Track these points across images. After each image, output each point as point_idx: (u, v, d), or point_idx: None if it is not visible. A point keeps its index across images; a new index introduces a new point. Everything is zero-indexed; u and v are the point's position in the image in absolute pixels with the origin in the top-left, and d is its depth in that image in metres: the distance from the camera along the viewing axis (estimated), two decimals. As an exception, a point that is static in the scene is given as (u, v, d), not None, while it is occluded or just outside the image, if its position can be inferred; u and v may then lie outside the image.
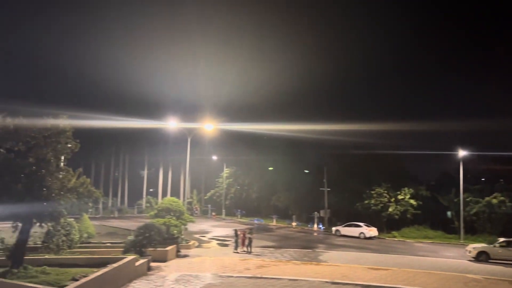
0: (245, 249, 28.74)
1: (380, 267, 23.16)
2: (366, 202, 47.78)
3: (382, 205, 46.90)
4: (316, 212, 51.02)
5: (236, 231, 30.56)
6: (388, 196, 47.38)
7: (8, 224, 16.17)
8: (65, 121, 16.17)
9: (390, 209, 46.45)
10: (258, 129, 51.41)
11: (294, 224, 54.17)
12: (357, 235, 41.87)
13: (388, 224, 46.87)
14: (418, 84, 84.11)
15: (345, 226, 44.13)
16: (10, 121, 15.25)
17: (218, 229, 46.59)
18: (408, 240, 41.92)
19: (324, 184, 51.30)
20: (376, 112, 71.92)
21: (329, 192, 51.22)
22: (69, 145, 16.50)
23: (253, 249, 28.77)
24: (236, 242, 29.36)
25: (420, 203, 46.86)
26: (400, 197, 47.06)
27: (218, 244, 33.94)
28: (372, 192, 47.83)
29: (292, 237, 41.88)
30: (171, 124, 40.66)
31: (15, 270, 14.60)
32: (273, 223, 57.03)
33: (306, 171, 57.21)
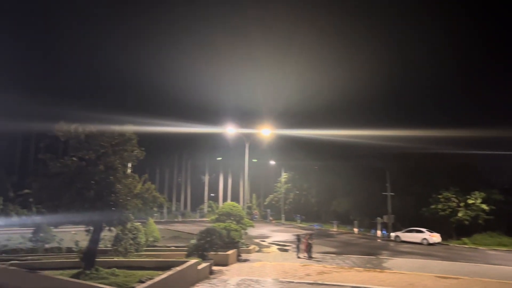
0: (306, 254, 28.44)
1: (450, 276, 21.81)
2: (433, 207, 45.40)
3: (450, 210, 44.31)
4: (379, 218, 49.30)
5: (298, 236, 30.35)
6: (457, 201, 44.68)
7: (81, 228, 17.28)
8: (130, 130, 17.03)
9: (459, 214, 43.74)
10: (317, 134, 50.77)
11: (355, 229, 52.75)
12: (419, 241, 39.97)
13: (458, 230, 44.15)
14: (490, 81, 78.54)
15: (406, 231, 42.28)
16: (81, 132, 16.34)
17: (278, 234, 46.53)
18: (480, 248, 39.19)
19: (387, 188, 49.50)
20: (442, 114, 68.19)
21: (392, 197, 49.32)
22: (135, 153, 17.34)
23: (313, 255, 28.37)
24: (298, 247, 29.13)
25: (493, 207, 43.63)
26: (470, 201, 44.15)
27: (278, 249, 33.87)
28: (439, 196, 45.36)
29: (354, 243, 40.78)
30: (230, 129, 41.43)
31: (88, 272, 15.52)
32: (334, 228, 55.93)
33: (368, 175, 55.55)
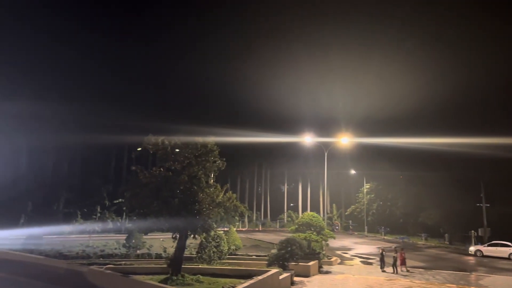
0: (403, 269, 27.10)
1: None
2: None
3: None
4: (473, 231, 45.35)
5: (383, 249, 28.99)
6: None
7: (169, 236, 18.15)
8: (212, 141, 17.67)
9: None
10: (402, 142, 48.27)
11: (446, 243, 49.06)
12: (505, 256, 36.02)
13: None
14: None
15: (489, 245, 38.34)
16: (168, 144, 17.33)
17: (361, 246, 44.86)
18: None
19: (482, 199, 45.44)
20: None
21: (488, 208, 45.13)
22: (217, 163, 17.91)
23: (400, 269, 26.83)
24: (382, 260, 27.73)
25: None
26: None
27: (361, 262, 32.60)
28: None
29: (445, 257, 37.86)
30: (308, 139, 41.10)
31: (174, 278, 16.20)
32: (422, 241, 52.56)
33: (460, 185, 51.50)
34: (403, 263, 27.31)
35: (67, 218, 45.72)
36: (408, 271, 26.88)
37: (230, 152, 23.40)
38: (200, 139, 17.62)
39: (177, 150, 17.42)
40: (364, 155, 60.84)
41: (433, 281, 23.54)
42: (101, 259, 23.49)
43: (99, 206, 47.99)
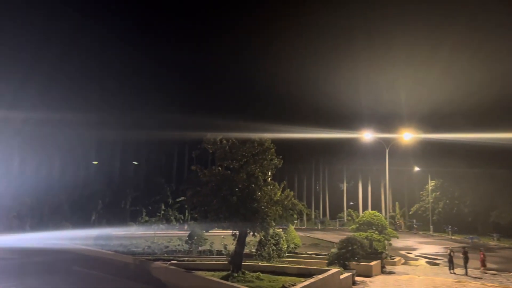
0: (484, 270, 25.72)
1: None
2: None
3: None
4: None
5: (451, 249, 27.50)
6: None
7: (229, 233, 18.51)
8: (269, 138, 17.79)
9: None
10: (469, 138, 45.37)
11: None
12: None
13: None
14: None
15: None
16: (226, 143, 17.70)
17: (426, 246, 42.86)
18: None
19: None
20: None
21: None
22: (274, 162, 17.99)
23: (470, 271, 25.29)
24: (451, 261, 26.28)
25: None
26: None
27: (427, 262, 31.14)
28: None
29: (521, 260, 35.11)
30: (367, 135, 39.97)
31: (235, 274, 16.50)
32: (494, 242, 49.17)
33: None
34: (483, 264, 25.89)
35: (134, 215, 48.18)
36: (485, 272, 25.35)
37: (286, 149, 23.40)
38: (256, 137, 17.80)
39: (234, 149, 17.73)
40: (428, 151, 57.96)
41: (507, 284, 21.96)
42: (166, 255, 24.46)
43: (163, 204, 49.99)
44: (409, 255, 34.81)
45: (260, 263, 20.99)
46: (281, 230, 25.93)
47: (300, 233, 39.59)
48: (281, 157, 18.07)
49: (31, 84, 44.06)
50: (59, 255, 11.06)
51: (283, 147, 20.22)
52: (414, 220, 66.05)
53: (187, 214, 48.71)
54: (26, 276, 10.48)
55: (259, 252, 23.52)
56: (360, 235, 26.67)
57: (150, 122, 50.62)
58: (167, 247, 27.11)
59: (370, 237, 27.30)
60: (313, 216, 70.98)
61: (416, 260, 32.18)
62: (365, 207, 69.52)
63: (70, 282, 9.65)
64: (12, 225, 37.75)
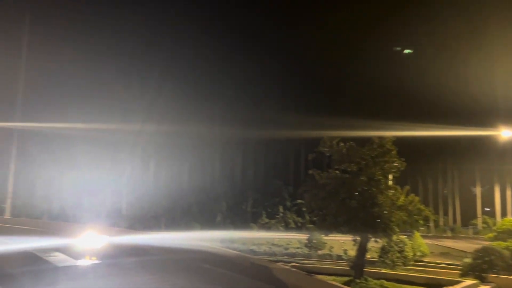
0: None
1: None
2: None
3: None
4: None
5: None
6: None
7: (348, 238, 18.12)
8: (389, 139, 16.97)
9: None
10: None
11: None
12: None
13: None
14: None
15: None
16: (343, 146, 17.38)
17: None
18: None
19: None
20: None
21: None
22: (395, 164, 17.09)
23: None
24: None
25: None
26: None
27: None
28: None
29: None
30: (506, 132, 35.48)
31: (358, 281, 16.06)
32: None
33: None
34: None
35: (254, 217, 50.15)
36: None
37: (409, 149, 21.93)
38: (376, 138, 17.13)
39: (352, 152, 17.32)
40: None
41: None
42: (286, 257, 24.94)
43: (282, 206, 51.08)
44: None
45: (383, 271, 20.09)
46: (405, 236, 24.44)
47: (427, 241, 36.81)
48: (403, 159, 17.09)
49: (162, 93, 48.69)
50: (191, 254, 12.19)
51: (404, 147, 19.06)
52: None
53: (305, 217, 49.01)
54: (167, 272, 11.76)
55: (382, 259, 22.48)
56: (499, 244, 23.80)
57: (267, 124, 52.05)
58: (287, 249, 27.61)
59: (511, 247, 24.19)
60: (441, 223, 65.42)
61: None
62: (503, 214, 61.69)
63: (203, 279, 10.64)
64: (149, 224, 42.24)
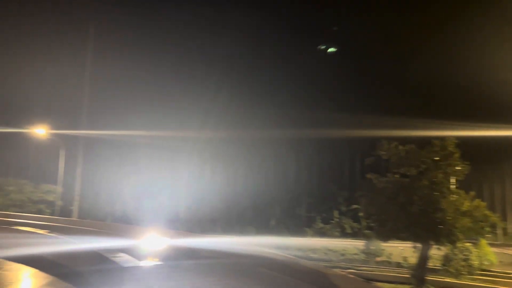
0: None
1: None
2: None
3: None
4: None
5: None
6: None
7: (408, 245, 17.46)
8: (451, 142, 16.20)
9: None
10: None
11: None
12: None
13: None
14: None
15: None
16: (401, 149, 16.81)
17: None
18: None
19: None
20: None
21: None
22: (459, 168, 16.28)
23: None
24: None
25: None
26: None
27: None
28: None
29: None
30: None
31: (418, 289, 15.42)
32: None
33: None
34: None
35: (309, 221, 49.63)
36: None
37: (473, 151, 20.69)
38: (437, 141, 16.42)
39: (412, 155, 16.71)
40: None
41: None
42: (342, 263, 24.46)
43: (337, 211, 50.19)
44: None
45: (446, 280, 19.15)
46: (470, 244, 23.10)
47: (495, 249, 34.57)
48: (468, 162, 16.22)
49: (218, 98, 49.83)
50: (248, 258, 12.38)
51: (468, 148, 18.06)
52: None
53: (362, 223, 47.79)
54: (225, 275, 12.00)
55: (445, 267, 21.44)
56: None
57: (321, 127, 51.36)
58: (343, 255, 27.08)
59: None
60: (510, 230, 61.08)
61: None
62: None
63: (260, 283, 10.76)
64: (206, 227, 43.20)
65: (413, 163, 16.54)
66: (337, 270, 18.73)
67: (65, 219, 35.03)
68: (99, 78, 44.70)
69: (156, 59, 49.47)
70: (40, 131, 39.18)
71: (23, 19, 50.70)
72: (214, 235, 31.99)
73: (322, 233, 43.59)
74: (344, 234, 45.08)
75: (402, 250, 26.17)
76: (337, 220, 48.82)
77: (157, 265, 13.58)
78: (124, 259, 12.33)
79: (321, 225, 47.96)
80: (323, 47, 59.36)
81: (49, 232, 22.46)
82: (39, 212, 42.88)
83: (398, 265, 24.22)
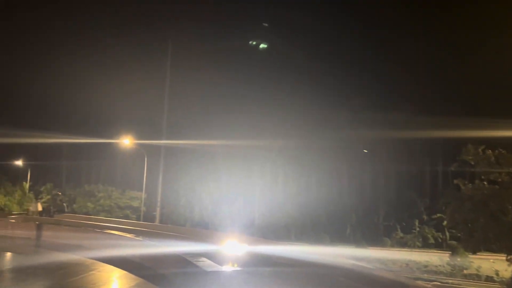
0: None
1: None
2: None
3: None
4: None
5: None
6: None
7: (500, 257, 16.11)
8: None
9: None
10: None
11: None
12: None
13: None
14: None
15: None
16: (490, 154, 15.62)
17: None
18: None
19: None
20: None
21: None
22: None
23: None
24: None
25: None
26: None
27: None
28: None
29: None
30: None
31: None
32: None
33: None
34: None
35: (387, 230, 47.55)
36: None
37: None
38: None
39: (502, 160, 15.46)
40: None
41: None
42: (425, 275, 23.14)
43: (418, 220, 47.62)
44: None
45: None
46: None
47: None
48: None
49: (292, 107, 50.00)
50: (325, 268, 12.31)
51: None
52: None
53: (446, 233, 44.83)
54: (302, 283, 12.07)
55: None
56: None
57: (399, 131, 49.15)
58: (426, 266, 25.60)
59: None
60: None
61: None
62: None
63: None
64: (280, 234, 43.26)
65: (505, 169, 15.26)
66: (421, 282, 17.78)
67: (149, 224, 37.37)
68: (180, 91, 47.45)
69: (230, 70, 51.39)
70: (126, 141, 42.40)
71: (112, 41, 55.84)
72: (289, 242, 32.01)
73: (402, 243, 41.64)
74: (426, 245, 42.64)
75: (493, 263, 24.17)
76: (419, 229, 46.27)
77: (236, 270, 13.97)
78: (206, 263, 12.86)
79: (401, 234, 45.72)
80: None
81: (135, 236, 24.11)
82: (126, 217, 46.13)
83: (489, 279, 22.34)
